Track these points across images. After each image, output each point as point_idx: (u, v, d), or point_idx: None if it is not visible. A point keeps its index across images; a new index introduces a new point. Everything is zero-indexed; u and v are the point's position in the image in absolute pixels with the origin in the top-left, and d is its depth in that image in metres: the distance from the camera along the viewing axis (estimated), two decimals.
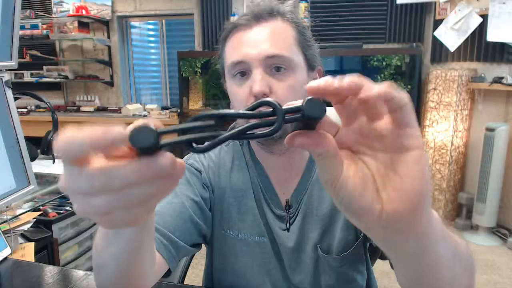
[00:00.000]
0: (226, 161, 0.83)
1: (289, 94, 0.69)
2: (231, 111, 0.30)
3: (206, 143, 0.29)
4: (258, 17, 0.71)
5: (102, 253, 0.49)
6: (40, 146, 1.72)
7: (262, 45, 0.69)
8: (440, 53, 3.33)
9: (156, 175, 0.27)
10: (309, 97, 0.30)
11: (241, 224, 0.80)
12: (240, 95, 0.72)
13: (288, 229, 0.79)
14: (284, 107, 0.30)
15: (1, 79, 0.96)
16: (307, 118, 0.30)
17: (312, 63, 0.76)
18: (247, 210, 0.80)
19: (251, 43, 0.70)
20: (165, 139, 0.27)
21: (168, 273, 0.70)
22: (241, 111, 0.30)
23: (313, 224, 0.78)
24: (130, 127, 0.26)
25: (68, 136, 0.26)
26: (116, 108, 4.21)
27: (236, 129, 0.30)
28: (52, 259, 1.55)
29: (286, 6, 0.74)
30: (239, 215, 0.80)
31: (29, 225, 1.29)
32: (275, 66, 0.70)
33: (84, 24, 4.15)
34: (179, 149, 0.31)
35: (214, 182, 0.82)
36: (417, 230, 0.31)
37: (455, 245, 0.45)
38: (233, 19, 3.67)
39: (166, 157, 0.27)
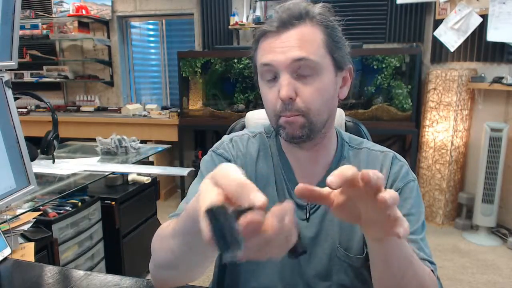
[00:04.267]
0: (253, 151, 0.86)
1: (314, 97, 0.73)
2: None
3: None
4: (286, 23, 0.72)
5: (180, 257, 0.55)
6: (40, 146, 1.72)
7: (289, 51, 0.71)
8: (440, 53, 3.33)
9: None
10: None
11: None
12: (269, 97, 0.76)
13: (307, 219, 0.81)
14: None
15: (1, 79, 0.96)
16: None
17: (341, 64, 0.77)
18: (268, 198, 0.82)
19: (279, 49, 0.72)
20: None
21: None
22: None
23: (334, 220, 0.80)
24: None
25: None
26: (116, 108, 4.21)
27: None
28: (52, 259, 1.55)
29: (316, 8, 0.75)
30: None
31: (29, 225, 1.28)
32: (301, 72, 0.72)
33: (84, 24, 4.15)
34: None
35: (241, 170, 0.84)
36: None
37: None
38: (233, 19, 3.68)
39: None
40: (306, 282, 0.81)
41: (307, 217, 0.81)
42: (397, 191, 0.77)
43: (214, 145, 0.87)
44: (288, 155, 0.84)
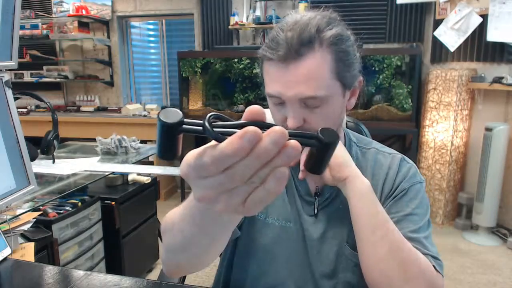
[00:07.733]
0: None
1: (323, 123, 0.71)
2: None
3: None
4: (294, 53, 0.68)
5: (190, 238, 0.53)
6: (40, 146, 1.72)
7: (297, 87, 0.69)
8: (440, 53, 3.33)
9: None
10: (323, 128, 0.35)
11: (270, 208, 0.83)
12: (277, 117, 0.76)
13: (316, 215, 0.81)
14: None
15: (1, 79, 0.96)
16: (324, 144, 0.35)
17: (350, 84, 0.75)
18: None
19: (287, 83, 0.69)
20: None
21: None
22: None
23: (343, 218, 0.80)
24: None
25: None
26: (116, 108, 4.21)
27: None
28: (52, 259, 1.55)
29: (326, 27, 0.70)
30: None
31: (29, 225, 1.28)
32: (309, 104, 0.71)
33: (84, 24, 4.15)
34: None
35: None
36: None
37: (397, 244, 0.70)
38: (233, 19, 3.67)
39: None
40: (314, 279, 0.81)
41: (315, 213, 0.81)
42: (402, 191, 0.78)
43: None
44: None
